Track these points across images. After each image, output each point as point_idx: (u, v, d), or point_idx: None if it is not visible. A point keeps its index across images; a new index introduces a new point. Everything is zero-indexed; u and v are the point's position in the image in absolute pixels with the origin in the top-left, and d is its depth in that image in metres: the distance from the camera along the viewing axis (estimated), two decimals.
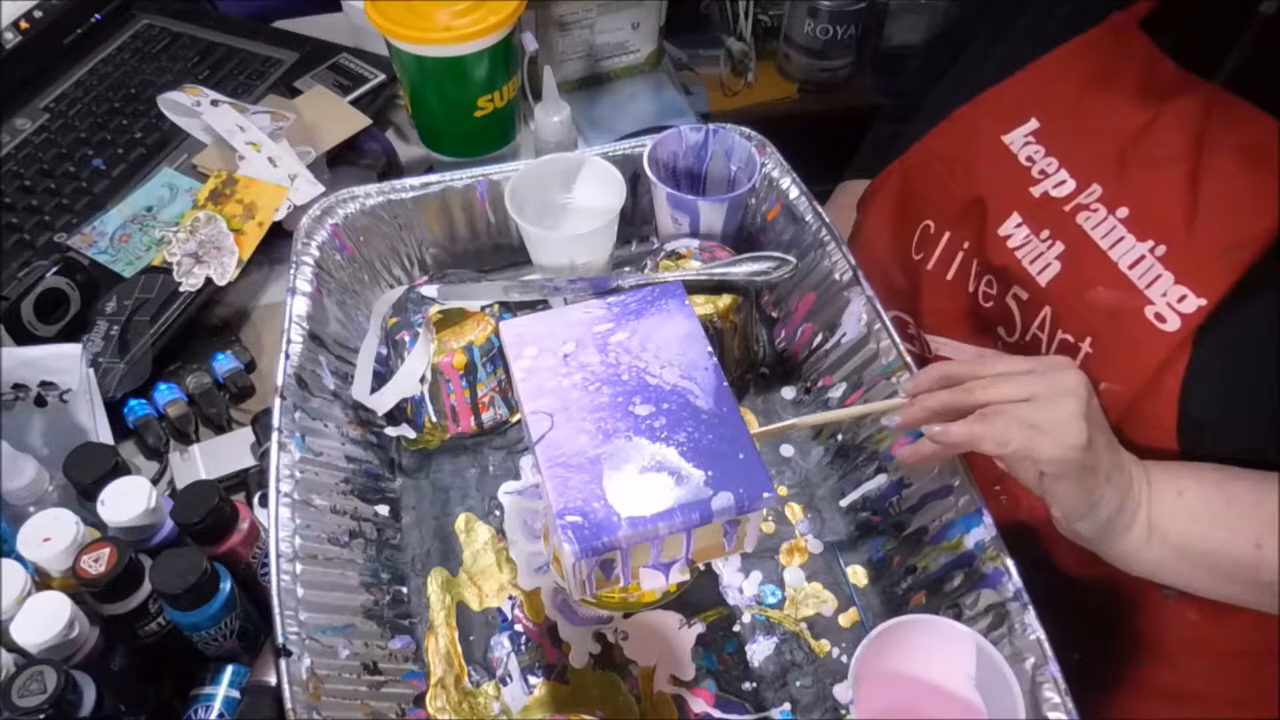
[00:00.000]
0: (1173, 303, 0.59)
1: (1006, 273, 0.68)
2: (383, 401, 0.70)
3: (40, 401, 0.70)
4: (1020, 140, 0.69)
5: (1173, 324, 0.59)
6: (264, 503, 0.63)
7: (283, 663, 0.52)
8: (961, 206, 0.71)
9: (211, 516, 0.58)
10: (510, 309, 0.71)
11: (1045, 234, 0.66)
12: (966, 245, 0.72)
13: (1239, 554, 0.56)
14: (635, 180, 0.78)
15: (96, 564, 0.55)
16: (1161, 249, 0.61)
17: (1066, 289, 0.64)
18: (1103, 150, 0.65)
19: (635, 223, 0.84)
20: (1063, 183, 0.66)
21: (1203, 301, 0.58)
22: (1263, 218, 0.57)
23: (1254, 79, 0.61)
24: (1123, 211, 0.63)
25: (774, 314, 0.80)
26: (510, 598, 0.65)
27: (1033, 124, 0.69)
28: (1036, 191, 0.67)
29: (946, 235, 0.73)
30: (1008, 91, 0.71)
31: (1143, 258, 0.61)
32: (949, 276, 0.73)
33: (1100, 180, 0.65)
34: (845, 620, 0.65)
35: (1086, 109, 0.67)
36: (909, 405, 0.59)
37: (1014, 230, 0.67)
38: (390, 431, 0.72)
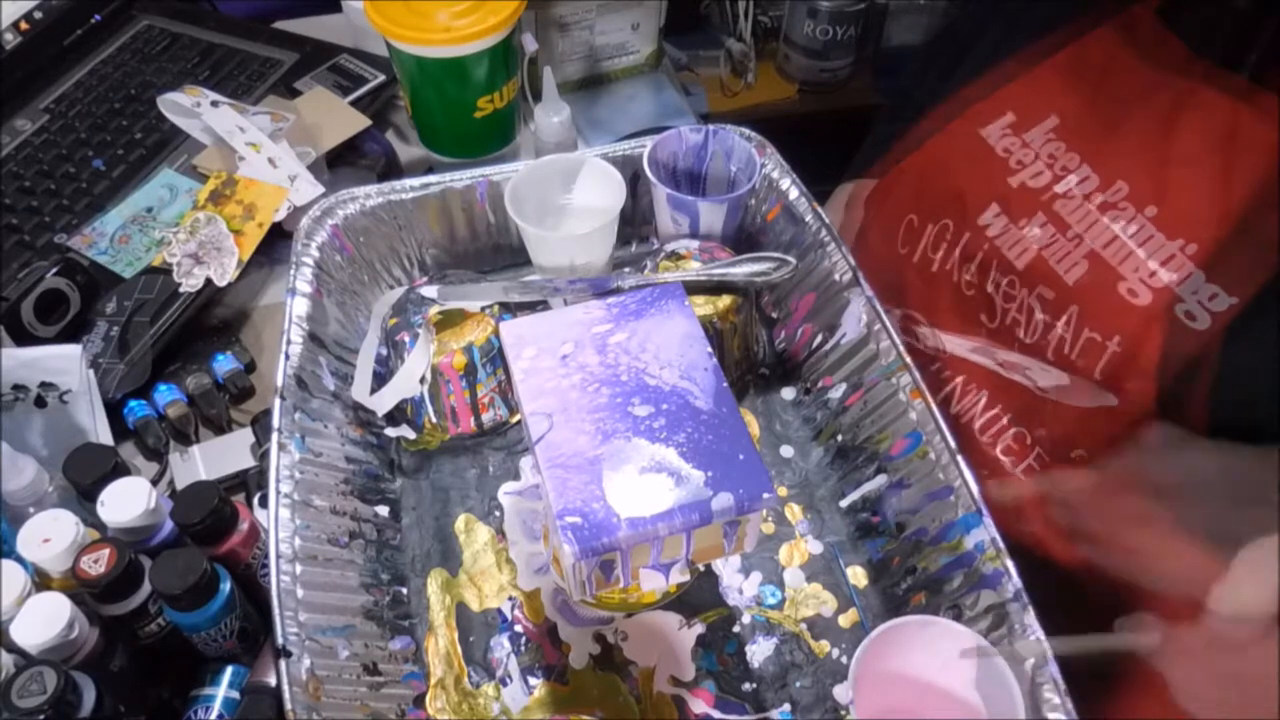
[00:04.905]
0: (1204, 300, 0.59)
1: (1031, 273, 0.67)
2: (382, 402, 0.70)
3: (40, 402, 0.70)
4: (1040, 138, 0.68)
5: (1203, 322, 0.58)
6: (264, 503, 0.63)
7: (283, 663, 0.52)
8: (980, 207, 0.70)
9: (211, 517, 0.58)
10: (510, 309, 0.71)
11: (1071, 233, 0.65)
12: (985, 246, 0.71)
13: None
14: (635, 181, 0.78)
15: (96, 565, 0.55)
16: (1192, 247, 0.60)
17: (1095, 288, 0.63)
18: (1126, 146, 0.64)
19: (635, 223, 0.84)
20: (1086, 178, 0.65)
21: (1234, 300, 0.58)
22: None
23: None
24: (1151, 210, 0.62)
25: (774, 314, 0.80)
26: (510, 598, 0.65)
27: (1052, 120, 0.68)
28: (1060, 188, 0.66)
29: (966, 236, 0.72)
30: (1024, 89, 0.70)
31: (1173, 256, 0.60)
32: (966, 276, 0.73)
33: (1125, 177, 0.64)
34: (845, 621, 0.65)
35: (1107, 103, 0.66)
36: None
37: (1038, 230, 0.67)
38: (390, 432, 0.72)
